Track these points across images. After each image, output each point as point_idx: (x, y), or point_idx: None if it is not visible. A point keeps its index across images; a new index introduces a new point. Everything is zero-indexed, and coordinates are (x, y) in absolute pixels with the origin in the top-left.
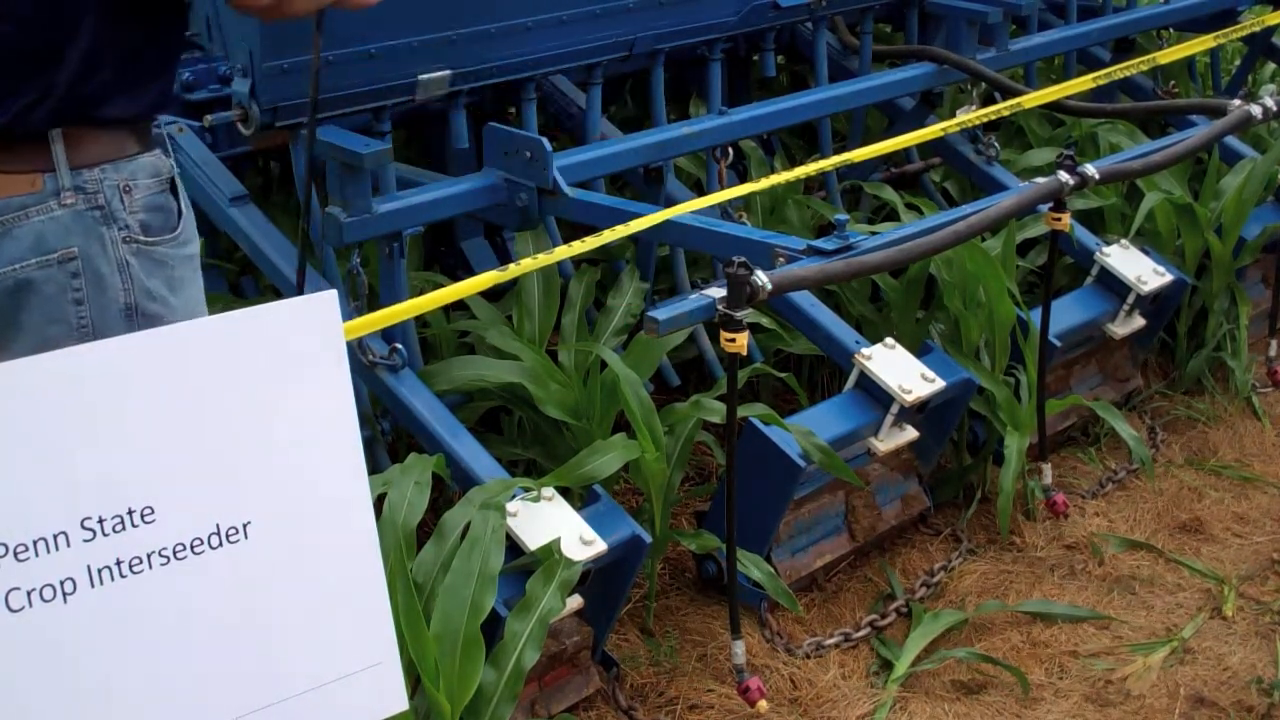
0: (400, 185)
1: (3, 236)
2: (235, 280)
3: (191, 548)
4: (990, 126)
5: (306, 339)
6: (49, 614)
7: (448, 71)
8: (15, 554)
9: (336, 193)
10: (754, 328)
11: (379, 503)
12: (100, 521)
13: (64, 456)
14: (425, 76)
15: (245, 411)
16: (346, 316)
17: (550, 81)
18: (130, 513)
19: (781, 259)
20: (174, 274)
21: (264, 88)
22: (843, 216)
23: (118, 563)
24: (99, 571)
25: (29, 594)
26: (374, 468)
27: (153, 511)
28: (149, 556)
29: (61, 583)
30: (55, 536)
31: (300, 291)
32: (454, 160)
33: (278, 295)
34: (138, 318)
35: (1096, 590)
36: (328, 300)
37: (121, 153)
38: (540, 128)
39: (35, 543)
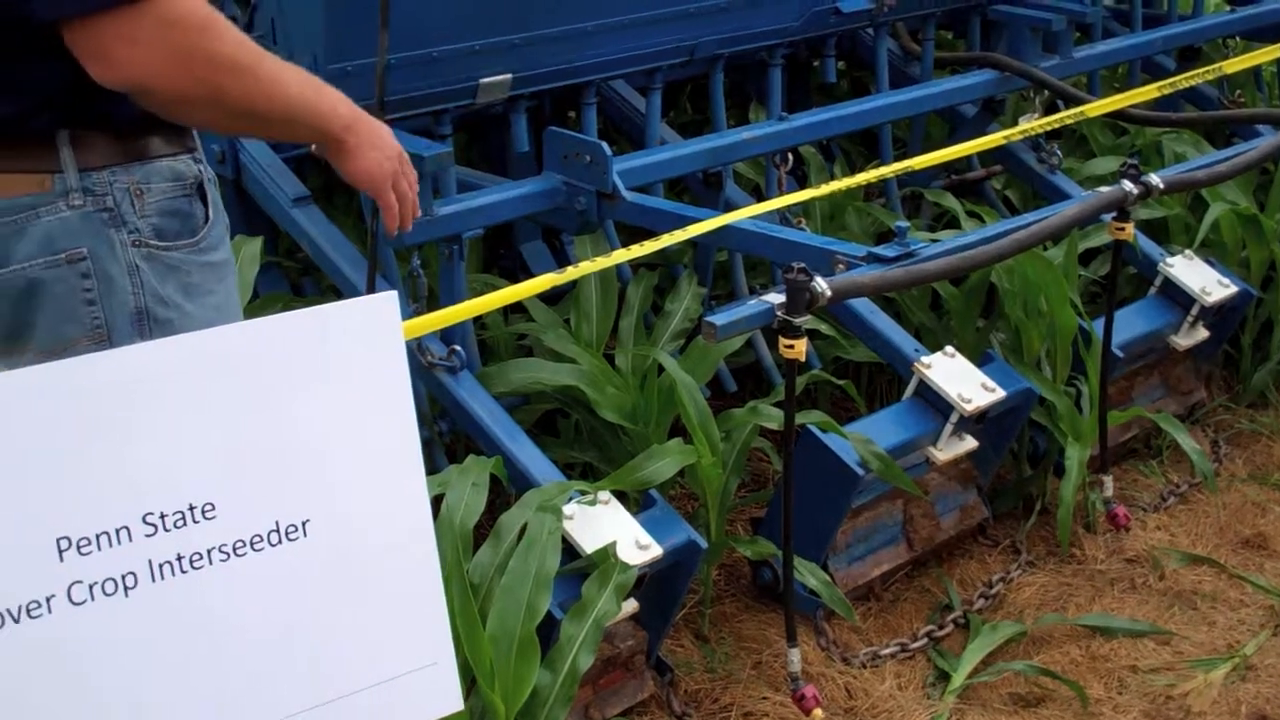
0: (461, 188)
1: (15, 235)
2: (297, 280)
3: (251, 544)
4: (1053, 135)
5: (367, 339)
6: (110, 607)
7: (509, 75)
8: (78, 547)
9: None
10: (812, 334)
11: (436, 503)
12: (162, 517)
13: (127, 452)
14: (487, 80)
15: (306, 410)
16: (406, 318)
17: (610, 86)
18: (191, 509)
19: (841, 265)
20: (190, 280)
21: None
22: (903, 224)
23: (178, 558)
24: (160, 566)
25: (91, 587)
26: (431, 469)
27: (213, 508)
28: (209, 552)
29: (123, 577)
30: (118, 531)
31: (369, 292)
32: (514, 163)
33: (338, 295)
34: (149, 322)
35: (1157, 605)
36: (388, 301)
37: (133, 155)
38: (600, 132)
39: (98, 536)
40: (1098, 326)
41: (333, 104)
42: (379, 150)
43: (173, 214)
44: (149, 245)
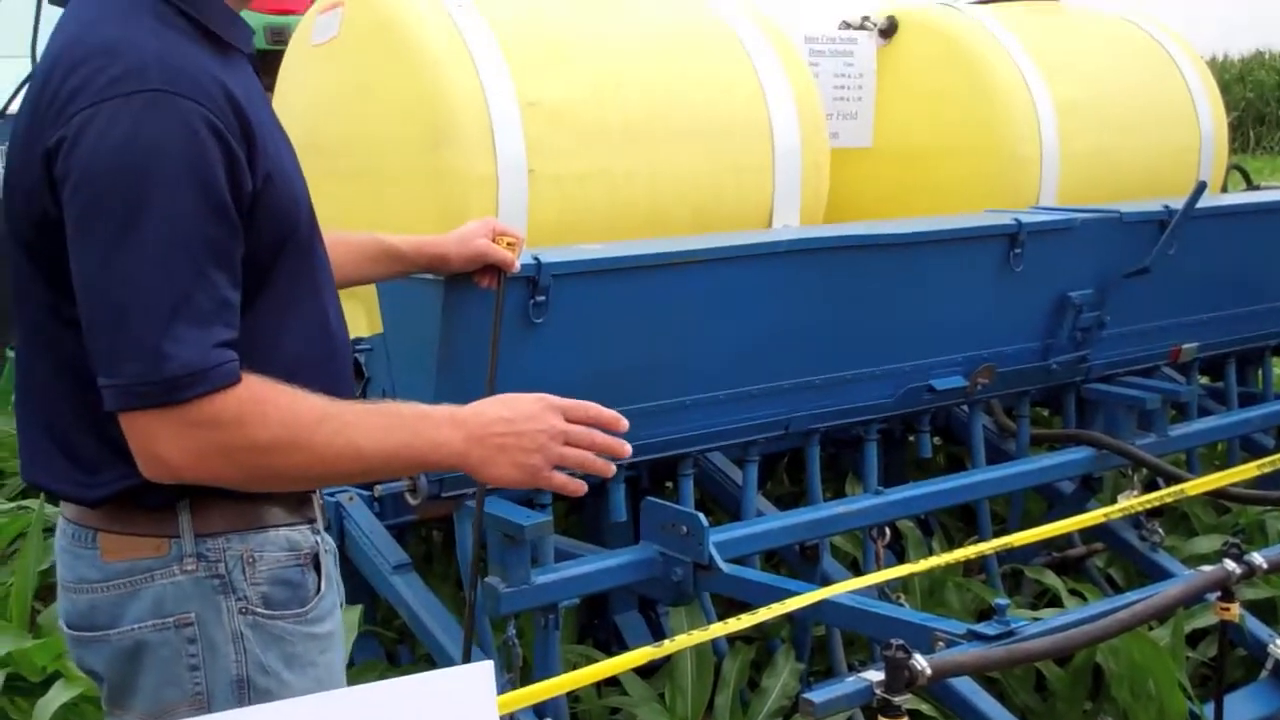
0: (558, 556)
1: (130, 597)
2: (392, 648)
3: None
4: (1154, 512)
5: (461, 711)
6: None
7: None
8: None
9: (496, 563)
10: (913, 714)
11: None
12: None
13: None
14: None
15: None
16: (500, 688)
17: (707, 457)
18: None
19: (941, 643)
20: (294, 650)
21: None
22: (1003, 601)
23: None
24: None
25: None
26: None
27: None
28: None
29: None
30: None
31: (465, 661)
32: (611, 532)
33: (432, 664)
34: (249, 691)
35: None
36: (483, 672)
37: (250, 523)
38: (697, 502)
39: None
40: (1209, 711)
41: (434, 438)
42: (515, 449)
43: (283, 583)
44: (255, 613)
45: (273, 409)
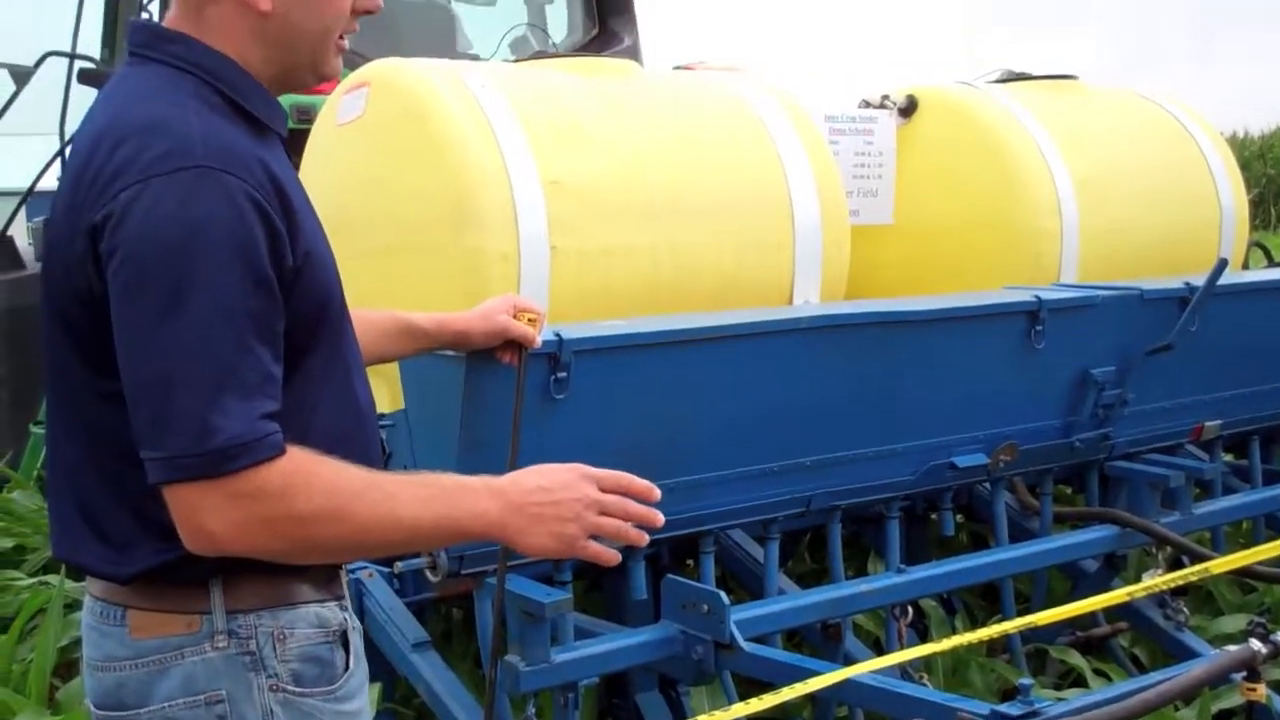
0: (578, 634)
1: (160, 674)
2: None
3: None
4: (1179, 591)
5: None
6: None
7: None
8: None
9: (516, 640)
10: None
11: None
12: None
13: None
14: None
15: None
16: None
17: (728, 534)
18: None
19: None
20: None
21: None
22: (1027, 681)
23: None
24: None
25: None
26: None
27: None
28: None
29: None
30: None
31: None
32: (632, 611)
33: None
34: None
35: None
36: None
37: (281, 600)
38: (717, 580)
39: None
40: None
41: (473, 508)
42: (551, 520)
43: (313, 660)
44: (285, 690)
45: (316, 480)
